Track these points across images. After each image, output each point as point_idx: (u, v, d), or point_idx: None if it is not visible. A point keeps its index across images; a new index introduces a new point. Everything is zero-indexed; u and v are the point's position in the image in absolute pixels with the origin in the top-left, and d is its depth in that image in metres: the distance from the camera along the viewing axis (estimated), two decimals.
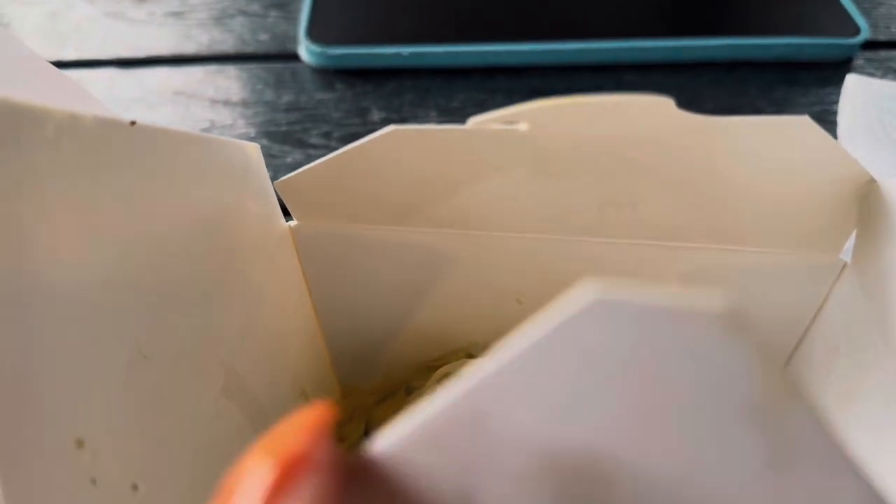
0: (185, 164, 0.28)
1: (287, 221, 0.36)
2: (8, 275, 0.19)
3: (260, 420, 0.33)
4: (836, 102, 0.32)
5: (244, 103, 0.59)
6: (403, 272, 0.38)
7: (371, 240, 0.36)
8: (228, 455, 0.31)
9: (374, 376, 0.43)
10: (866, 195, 0.30)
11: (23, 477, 0.19)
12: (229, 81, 0.61)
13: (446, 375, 0.37)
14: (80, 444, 0.21)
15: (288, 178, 0.33)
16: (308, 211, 0.35)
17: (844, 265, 0.34)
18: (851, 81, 0.31)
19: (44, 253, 0.21)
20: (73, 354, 0.22)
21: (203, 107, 0.59)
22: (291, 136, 0.56)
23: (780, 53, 0.62)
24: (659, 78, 0.61)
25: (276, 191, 0.34)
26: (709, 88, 0.60)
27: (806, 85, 0.57)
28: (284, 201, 0.35)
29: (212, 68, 0.63)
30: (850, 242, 0.34)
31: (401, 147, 0.30)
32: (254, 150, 0.33)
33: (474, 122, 0.26)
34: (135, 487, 0.24)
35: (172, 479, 0.26)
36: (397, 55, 0.60)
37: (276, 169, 0.54)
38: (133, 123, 0.25)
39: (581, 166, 0.30)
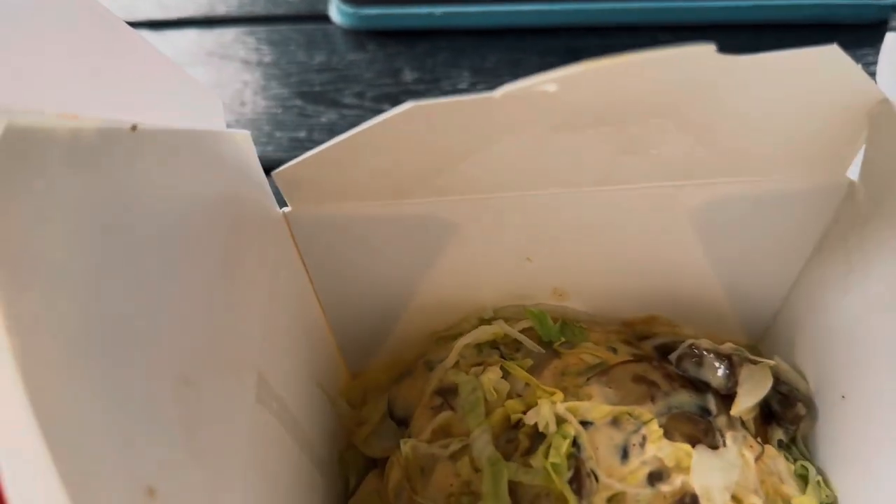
0: (185, 162, 0.25)
1: (281, 209, 0.34)
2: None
3: (291, 423, 0.32)
4: (874, 64, 0.33)
5: (276, 64, 0.57)
6: (407, 246, 0.36)
7: (371, 218, 0.34)
8: (275, 466, 0.29)
9: (381, 356, 0.41)
10: (878, 114, 0.30)
11: None
12: (260, 43, 0.58)
13: (467, 346, 0.36)
14: (151, 492, 0.19)
15: (287, 167, 0.30)
16: (305, 197, 0.33)
17: (851, 183, 0.34)
18: (891, 40, 0.30)
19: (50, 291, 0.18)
20: (127, 396, 0.19)
21: (236, 68, 0.57)
22: (325, 96, 0.54)
23: (812, 14, 0.60)
24: (693, 38, 0.60)
25: (270, 179, 0.32)
26: (742, 51, 0.60)
27: (842, 46, 0.58)
28: (281, 190, 0.32)
29: (243, 30, 0.59)
30: (855, 167, 0.34)
31: (413, 121, 0.28)
32: (244, 139, 0.30)
33: (504, 91, 0.24)
34: None
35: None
36: (430, 15, 0.57)
37: (311, 128, 0.52)
38: (134, 128, 0.22)
39: (603, 117, 0.29)
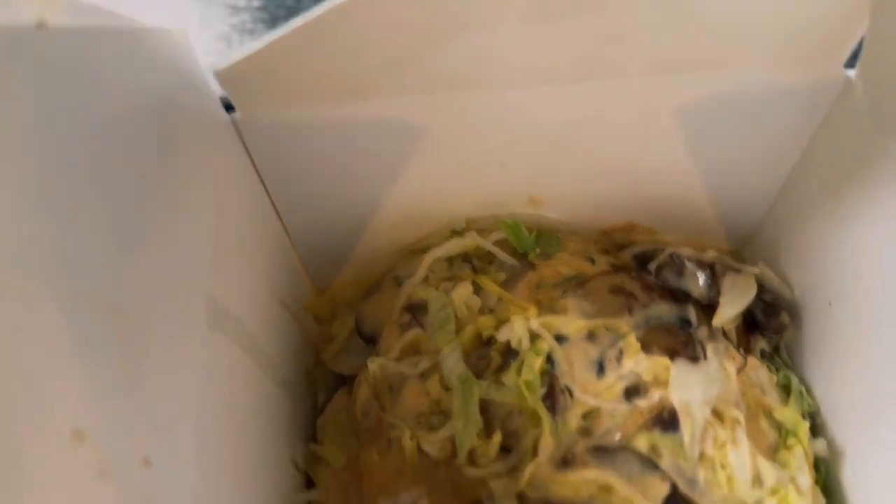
0: (105, 63, 0.22)
1: (230, 113, 0.31)
2: None
3: (250, 344, 0.30)
4: None
5: (265, 8, 0.51)
6: (370, 152, 0.33)
7: (329, 121, 0.31)
8: (233, 393, 0.28)
9: (348, 270, 0.39)
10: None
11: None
12: None
13: (438, 260, 0.34)
14: (79, 435, 0.18)
15: (230, 65, 0.27)
16: (254, 100, 0.30)
17: (847, 80, 0.31)
18: None
19: None
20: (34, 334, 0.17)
21: (221, 12, 0.51)
22: None
23: None
24: None
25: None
26: None
27: None
28: (226, 92, 0.29)
29: None
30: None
31: (374, 8, 0.25)
32: (180, 36, 0.27)
33: None
34: (147, 463, 0.20)
35: (183, 439, 0.23)
36: None
37: None
38: (41, 26, 0.19)
39: (581, 3, 0.26)
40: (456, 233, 0.36)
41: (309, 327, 0.37)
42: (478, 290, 0.32)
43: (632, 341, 0.31)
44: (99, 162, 0.21)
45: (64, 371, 0.18)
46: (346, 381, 0.36)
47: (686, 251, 0.35)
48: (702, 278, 0.34)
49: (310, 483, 0.34)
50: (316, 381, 0.37)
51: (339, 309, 0.39)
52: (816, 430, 0.34)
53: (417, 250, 0.37)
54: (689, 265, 0.34)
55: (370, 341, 0.34)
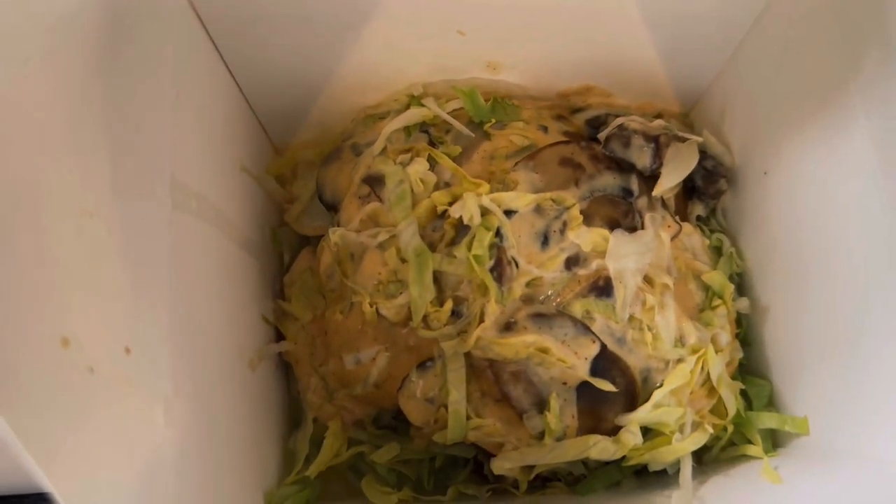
0: None
1: None
2: None
3: (214, 215, 0.31)
4: None
5: None
6: (325, 14, 0.33)
7: None
8: (201, 266, 0.30)
9: (308, 130, 0.40)
10: None
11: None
12: None
13: (396, 131, 0.35)
14: (65, 342, 0.20)
15: None
16: None
17: None
18: None
19: None
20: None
21: None
22: None
23: None
24: None
25: None
26: None
27: None
28: None
29: None
30: None
31: None
32: None
33: None
34: (127, 351, 0.23)
35: (159, 320, 0.25)
36: None
37: None
38: None
39: None
40: (413, 98, 0.37)
41: (271, 189, 0.39)
42: (433, 164, 0.34)
43: (575, 214, 0.33)
44: (52, 57, 0.21)
45: (47, 284, 0.19)
46: (310, 241, 0.38)
47: (634, 123, 0.36)
48: (647, 151, 0.35)
49: (280, 336, 0.37)
50: (281, 241, 0.39)
51: (300, 168, 0.40)
52: (744, 289, 0.38)
53: (375, 116, 0.37)
54: (636, 138, 0.35)
55: (331, 208, 0.36)
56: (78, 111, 0.22)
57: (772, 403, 0.35)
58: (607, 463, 0.33)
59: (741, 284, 0.37)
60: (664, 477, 0.34)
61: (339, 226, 0.34)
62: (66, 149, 0.22)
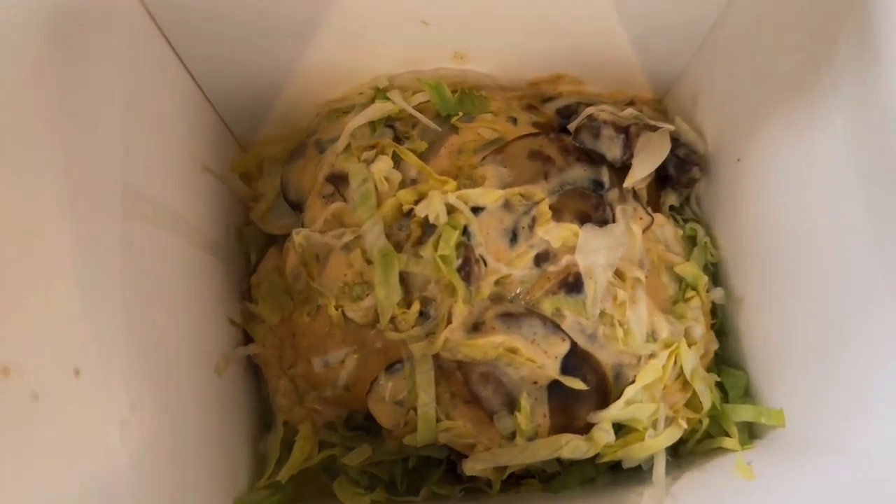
0: None
1: None
2: None
3: (172, 220, 0.30)
4: None
5: None
6: (282, 4, 0.32)
7: None
8: (161, 271, 0.29)
9: (272, 125, 0.39)
10: None
11: None
12: None
13: (360, 127, 0.34)
14: (5, 371, 0.19)
15: None
16: None
17: None
18: None
19: None
20: None
21: None
22: None
23: None
24: None
25: None
26: None
27: None
28: None
29: None
30: None
31: None
32: None
33: None
34: (76, 373, 0.22)
35: (112, 338, 0.24)
36: None
37: None
38: None
39: None
40: (379, 91, 0.36)
41: (236, 186, 0.38)
42: (398, 161, 0.33)
43: (544, 209, 0.32)
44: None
45: None
46: (277, 240, 0.38)
47: (604, 114, 0.35)
48: (617, 142, 0.34)
49: (248, 338, 0.36)
50: (247, 240, 0.38)
51: (266, 165, 0.39)
52: (719, 278, 0.37)
53: (340, 110, 0.36)
54: (606, 129, 0.34)
55: (296, 207, 0.35)
56: (19, 121, 0.22)
57: (748, 394, 0.35)
58: (581, 459, 0.33)
59: (716, 274, 0.37)
60: (639, 472, 0.33)
61: (303, 226, 0.33)
62: (6, 162, 0.21)
